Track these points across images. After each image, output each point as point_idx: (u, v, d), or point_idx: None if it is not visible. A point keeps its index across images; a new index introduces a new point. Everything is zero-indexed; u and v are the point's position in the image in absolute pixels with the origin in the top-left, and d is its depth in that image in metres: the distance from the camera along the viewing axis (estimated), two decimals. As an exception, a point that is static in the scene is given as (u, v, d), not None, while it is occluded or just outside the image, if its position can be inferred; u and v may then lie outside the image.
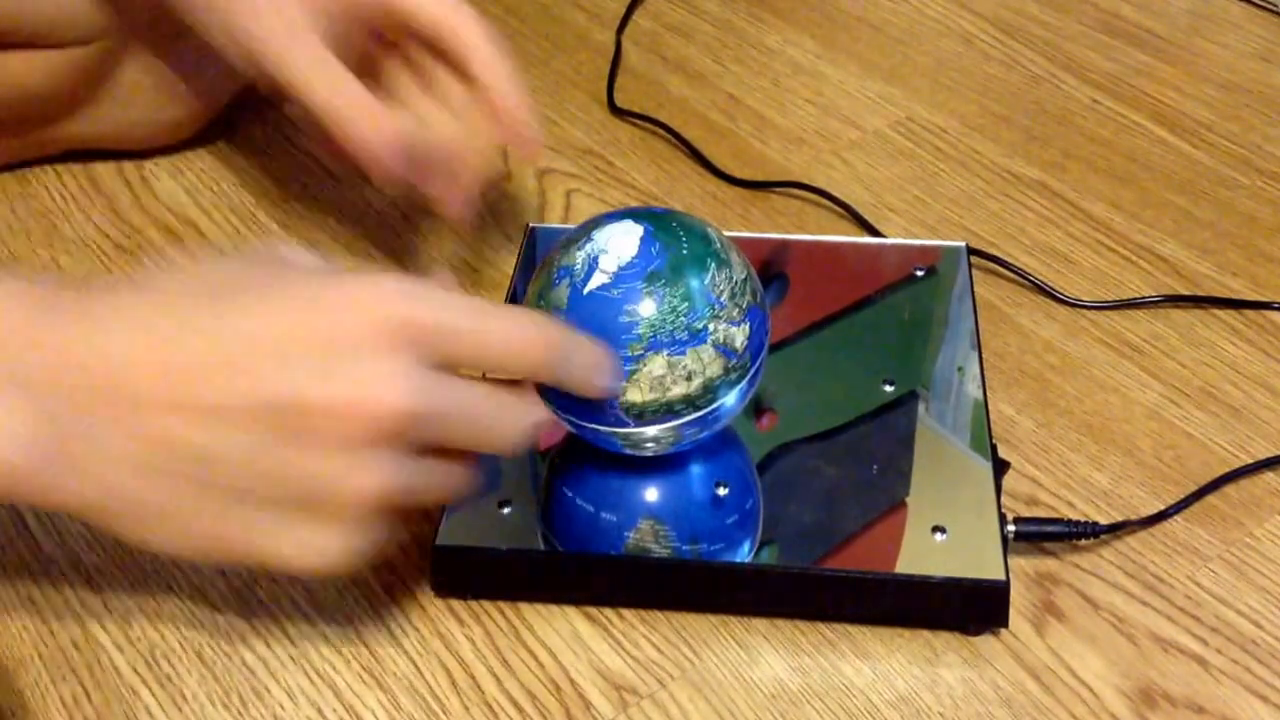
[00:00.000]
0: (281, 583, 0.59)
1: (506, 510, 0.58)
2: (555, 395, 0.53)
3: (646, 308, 0.52)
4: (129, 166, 0.82)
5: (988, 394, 0.64)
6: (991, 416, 0.63)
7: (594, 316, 0.52)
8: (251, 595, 0.59)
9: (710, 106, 0.88)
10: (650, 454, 0.56)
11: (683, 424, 0.54)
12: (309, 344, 0.46)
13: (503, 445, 0.51)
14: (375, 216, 0.79)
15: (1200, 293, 0.74)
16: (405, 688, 0.55)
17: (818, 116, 0.88)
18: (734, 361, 0.53)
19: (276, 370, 0.46)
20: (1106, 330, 0.72)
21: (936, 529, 0.57)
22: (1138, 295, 0.74)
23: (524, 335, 0.50)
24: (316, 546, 0.48)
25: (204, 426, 0.46)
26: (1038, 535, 0.60)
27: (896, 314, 0.68)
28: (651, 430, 0.54)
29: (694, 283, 0.52)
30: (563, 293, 0.53)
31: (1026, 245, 0.78)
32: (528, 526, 0.58)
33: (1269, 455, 0.65)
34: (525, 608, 0.58)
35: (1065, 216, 0.80)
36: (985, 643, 0.57)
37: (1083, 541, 0.60)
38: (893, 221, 0.79)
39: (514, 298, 0.69)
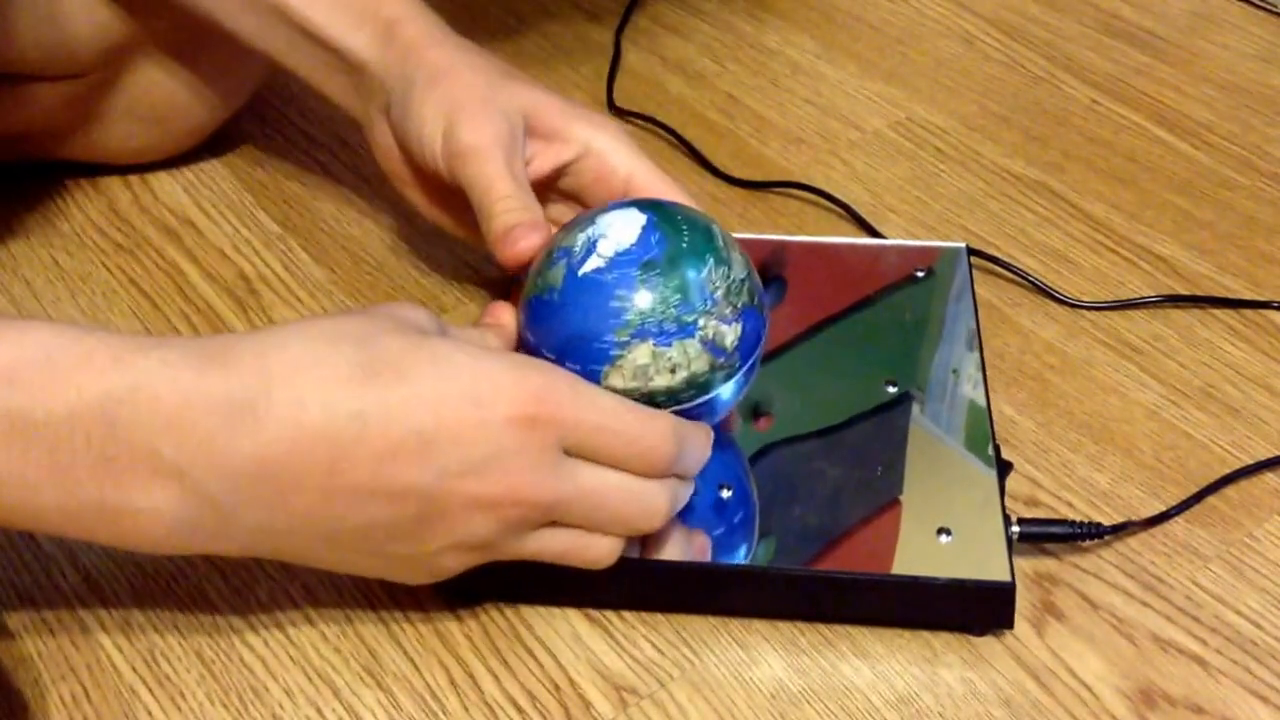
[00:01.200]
0: (280, 582, 0.59)
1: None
2: None
3: (638, 295, 0.52)
4: (129, 170, 0.82)
5: (989, 395, 0.64)
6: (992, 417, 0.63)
7: (585, 299, 0.52)
8: (250, 594, 0.59)
9: (709, 106, 0.88)
10: None
11: None
12: (456, 438, 0.48)
13: (641, 529, 0.53)
14: (374, 216, 0.79)
15: (1200, 293, 0.74)
16: (404, 687, 0.55)
17: (817, 116, 0.88)
18: (721, 360, 0.53)
19: (423, 461, 0.48)
20: (1106, 331, 0.72)
21: (942, 531, 0.57)
22: (1137, 296, 0.74)
23: (653, 435, 0.51)
24: (427, 575, 0.54)
25: (350, 505, 0.49)
26: (1041, 536, 0.60)
27: (896, 315, 0.68)
28: None
29: (689, 276, 0.52)
30: (558, 273, 0.53)
31: (1026, 245, 0.78)
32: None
33: (1268, 455, 0.65)
34: (525, 607, 0.58)
35: (1065, 217, 0.80)
36: (985, 643, 0.57)
37: (1084, 542, 0.60)
38: (892, 222, 0.79)
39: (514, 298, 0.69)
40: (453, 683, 0.55)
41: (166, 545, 0.49)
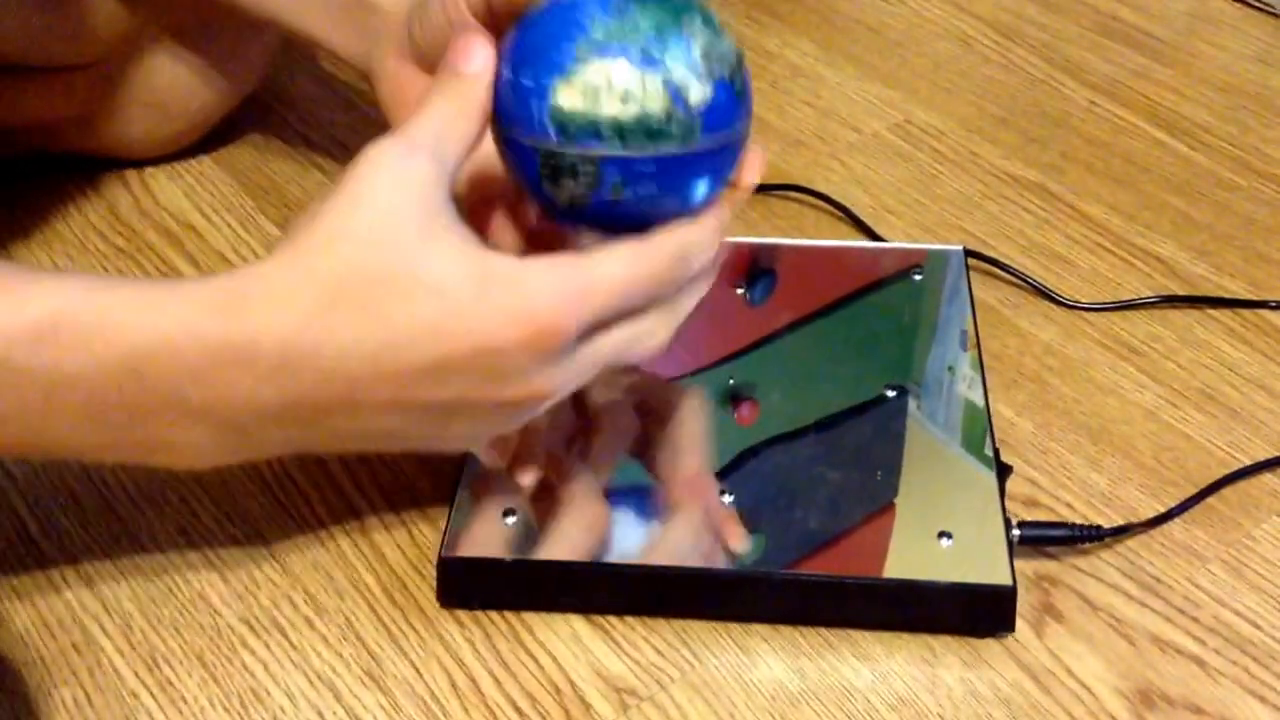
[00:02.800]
0: (283, 586, 0.59)
1: (511, 520, 0.58)
2: (497, 105, 0.50)
3: (609, 17, 0.48)
4: (128, 169, 0.82)
5: (988, 397, 0.64)
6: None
7: (559, 11, 0.49)
8: (252, 598, 0.59)
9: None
10: (565, 207, 0.50)
11: (602, 159, 0.48)
12: (470, 365, 0.48)
13: (660, 350, 0.52)
14: (374, 220, 0.79)
15: (1198, 294, 0.75)
16: (405, 690, 0.55)
17: (816, 119, 0.88)
18: (680, 111, 0.48)
19: (441, 384, 0.49)
20: (1105, 332, 0.72)
21: (942, 534, 0.57)
22: (1136, 297, 0.74)
23: (662, 276, 0.50)
24: (480, 438, 0.54)
25: (375, 419, 0.50)
26: (1041, 539, 0.60)
27: (894, 317, 0.68)
28: (570, 153, 0.48)
29: (670, 17, 0.49)
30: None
31: (1024, 247, 0.78)
32: (532, 536, 0.58)
33: (1267, 456, 0.65)
34: (526, 610, 0.58)
35: (1063, 218, 0.80)
36: (984, 644, 0.57)
37: (1083, 544, 0.61)
38: (891, 224, 0.79)
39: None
40: (454, 685, 0.56)
41: (203, 466, 0.51)
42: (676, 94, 0.48)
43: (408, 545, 0.61)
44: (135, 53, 0.76)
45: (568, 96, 0.48)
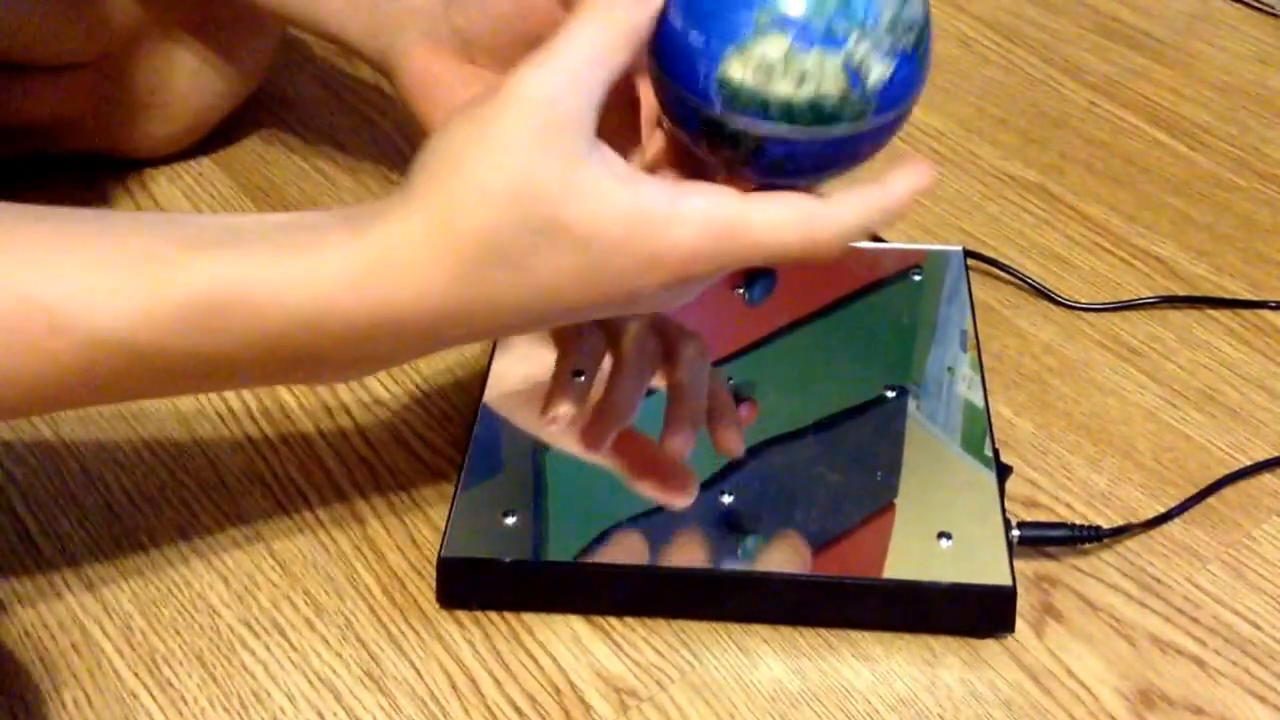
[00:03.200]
0: (282, 587, 0.59)
1: (511, 520, 0.58)
2: (658, 47, 0.47)
3: None
4: (128, 170, 0.82)
5: (988, 397, 0.64)
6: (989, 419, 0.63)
7: None
8: (252, 599, 0.59)
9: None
10: (718, 162, 0.49)
11: (767, 137, 0.46)
12: (632, 295, 0.47)
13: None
14: (374, 220, 0.79)
15: (1198, 294, 0.75)
16: (405, 691, 0.55)
17: None
18: (856, 94, 0.45)
19: (582, 316, 0.49)
20: (1104, 332, 0.72)
21: (942, 535, 0.57)
22: (1135, 297, 0.74)
23: (806, 249, 0.47)
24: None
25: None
26: (1041, 540, 0.60)
27: (893, 318, 0.68)
28: (732, 125, 0.46)
29: None
30: None
31: (1024, 247, 0.78)
32: (532, 537, 0.58)
33: (1266, 457, 0.65)
34: (525, 611, 0.58)
35: (1063, 219, 0.80)
36: (984, 645, 0.57)
37: (1083, 545, 0.60)
38: (890, 224, 0.79)
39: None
40: (454, 686, 0.56)
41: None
42: (855, 76, 0.45)
43: (407, 546, 0.61)
44: (137, 52, 0.76)
45: (739, 68, 0.45)
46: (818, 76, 0.45)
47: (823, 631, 0.57)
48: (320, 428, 0.66)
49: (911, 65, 0.47)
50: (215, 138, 0.83)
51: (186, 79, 0.79)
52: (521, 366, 0.65)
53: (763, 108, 0.45)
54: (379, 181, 0.82)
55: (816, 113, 0.45)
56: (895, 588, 0.56)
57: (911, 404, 0.63)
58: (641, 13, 0.46)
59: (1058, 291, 0.74)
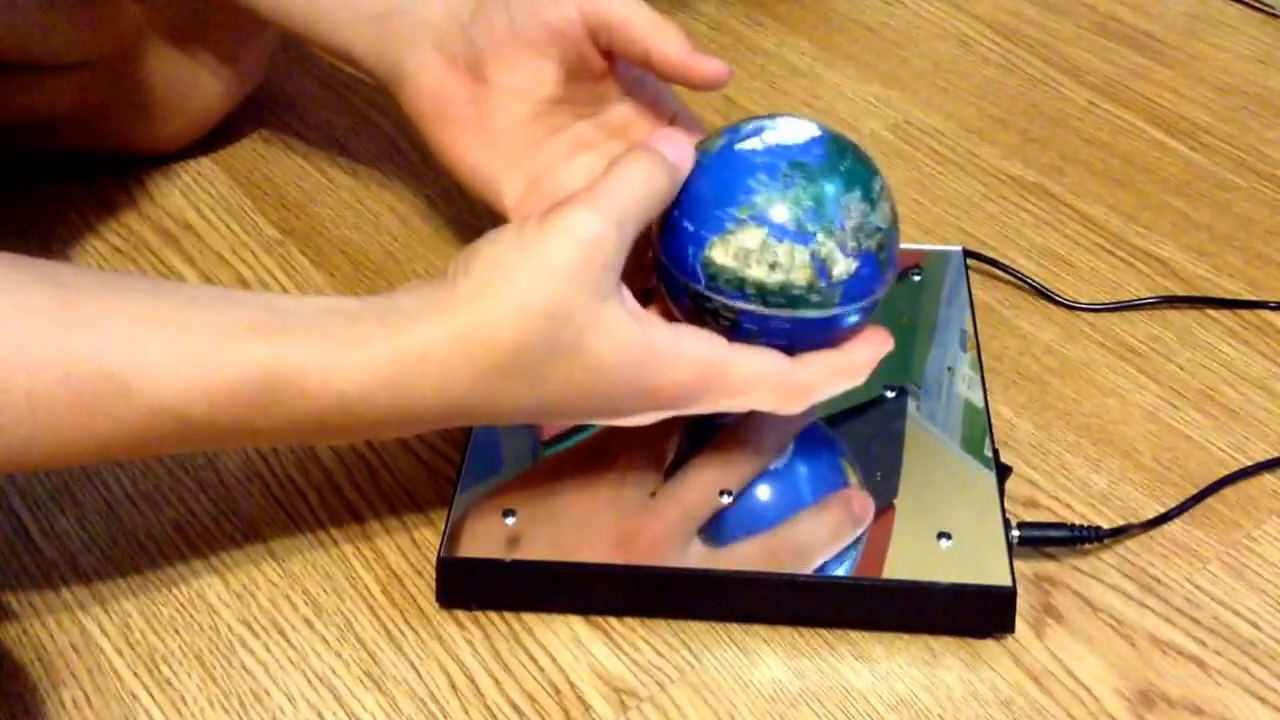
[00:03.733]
0: (281, 586, 0.59)
1: (511, 520, 0.58)
2: (659, 232, 0.55)
3: (775, 185, 0.52)
4: (126, 169, 0.82)
5: (987, 397, 0.64)
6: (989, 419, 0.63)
7: (728, 169, 0.53)
8: (251, 599, 0.59)
9: (707, 109, 0.88)
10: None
11: (742, 312, 0.53)
12: (603, 417, 0.54)
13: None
14: (372, 220, 0.79)
15: (1198, 294, 0.75)
16: (405, 691, 0.55)
17: (814, 119, 0.88)
18: (822, 283, 0.52)
19: (573, 419, 0.56)
20: (1104, 332, 0.72)
21: (942, 535, 0.57)
22: (1135, 297, 0.74)
23: (787, 398, 0.55)
24: None
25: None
26: (1041, 540, 0.60)
27: (893, 318, 0.68)
28: (714, 301, 0.53)
29: (830, 192, 0.52)
30: (716, 142, 0.55)
31: (1024, 248, 0.78)
32: (531, 537, 0.58)
33: (1266, 457, 0.65)
34: (525, 611, 0.58)
35: (1063, 219, 0.80)
36: (984, 645, 0.57)
37: (1083, 545, 0.60)
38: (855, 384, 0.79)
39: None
40: (453, 686, 0.56)
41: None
42: (821, 267, 0.52)
43: (407, 546, 0.61)
44: (136, 53, 0.76)
45: (721, 253, 0.52)
46: (787, 265, 0.52)
47: (823, 631, 0.57)
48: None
49: (874, 265, 0.53)
50: (215, 137, 0.83)
51: (186, 80, 0.79)
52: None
53: (739, 287, 0.52)
54: (379, 181, 0.82)
55: (786, 295, 0.52)
56: (895, 588, 0.56)
57: (911, 404, 0.63)
58: (685, 161, 0.54)
59: (1058, 291, 0.74)
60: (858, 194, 0.53)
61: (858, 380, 0.56)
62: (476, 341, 0.50)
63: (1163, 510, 0.62)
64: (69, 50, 0.74)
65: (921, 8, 0.99)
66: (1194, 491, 0.63)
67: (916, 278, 0.71)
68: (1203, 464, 0.65)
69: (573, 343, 0.50)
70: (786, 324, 0.53)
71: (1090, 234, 0.79)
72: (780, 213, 0.52)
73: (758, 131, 0.54)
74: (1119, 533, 0.61)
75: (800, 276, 0.52)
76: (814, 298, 0.52)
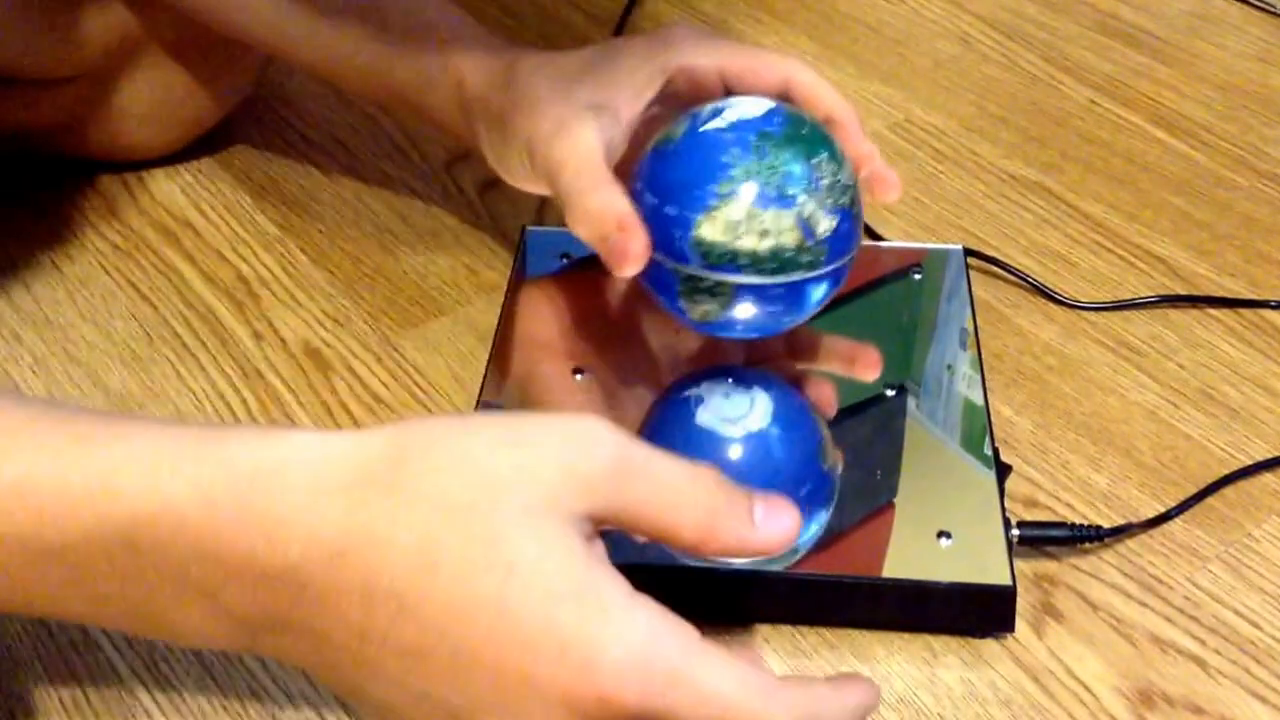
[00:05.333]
0: (281, 585, 0.59)
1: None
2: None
3: (749, 156, 0.53)
4: (128, 170, 0.82)
5: (988, 396, 0.64)
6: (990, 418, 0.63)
7: (699, 151, 0.54)
8: (251, 598, 0.59)
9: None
10: (697, 321, 0.56)
11: (738, 285, 0.54)
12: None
13: None
14: (372, 220, 0.79)
15: (1198, 293, 0.74)
16: (405, 690, 0.55)
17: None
18: (809, 243, 0.53)
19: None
20: (1105, 331, 0.72)
21: (942, 534, 0.57)
22: (1136, 296, 0.74)
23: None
24: None
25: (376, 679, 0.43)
26: (1041, 539, 0.60)
27: (893, 317, 0.68)
28: (708, 279, 0.54)
29: (800, 155, 0.54)
30: (680, 128, 0.55)
31: (1024, 246, 0.78)
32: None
33: (1267, 456, 0.65)
34: (524, 610, 0.58)
35: (1063, 217, 0.80)
36: (984, 644, 0.57)
37: (1083, 544, 0.60)
38: (891, 223, 0.79)
39: (511, 300, 0.69)
40: (453, 685, 0.55)
41: (219, 647, 0.46)
42: (806, 227, 0.53)
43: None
44: (129, 65, 0.76)
45: (710, 230, 0.53)
46: (776, 231, 0.53)
47: (823, 631, 0.57)
48: (320, 427, 0.66)
49: (850, 218, 0.55)
50: (213, 134, 0.83)
51: (178, 91, 0.78)
52: (520, 366, 0.65)
53: (733, 259, 0.53)
54: (378, 180, 0.82)
55: (777, 262, 0.53)
56: (895, 587, 0.56)
57: (911, 403, 0.63)
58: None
59: (1058, 290, 0.74)
60: (824, 154, 0.54)
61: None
62: (388, 524, 0.41)
63: (1163, 509, 0.62)
64: (55, 65, 0.74)
65: (922, 6, 0.99)
66: (1194, 491, 0.63)
67: (917, 276, 0.71)
68: (1203, 463, 0.65)
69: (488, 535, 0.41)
70: (781, 289, 0.54)
71: (1091, 233, 0.79)
72: (760, 182, 0.53)
73: (717, 112, 0.55)
74: (1119, 532, 0.61)
75: (790, 239, 0.53)
76: (804, 258, 0.54)
